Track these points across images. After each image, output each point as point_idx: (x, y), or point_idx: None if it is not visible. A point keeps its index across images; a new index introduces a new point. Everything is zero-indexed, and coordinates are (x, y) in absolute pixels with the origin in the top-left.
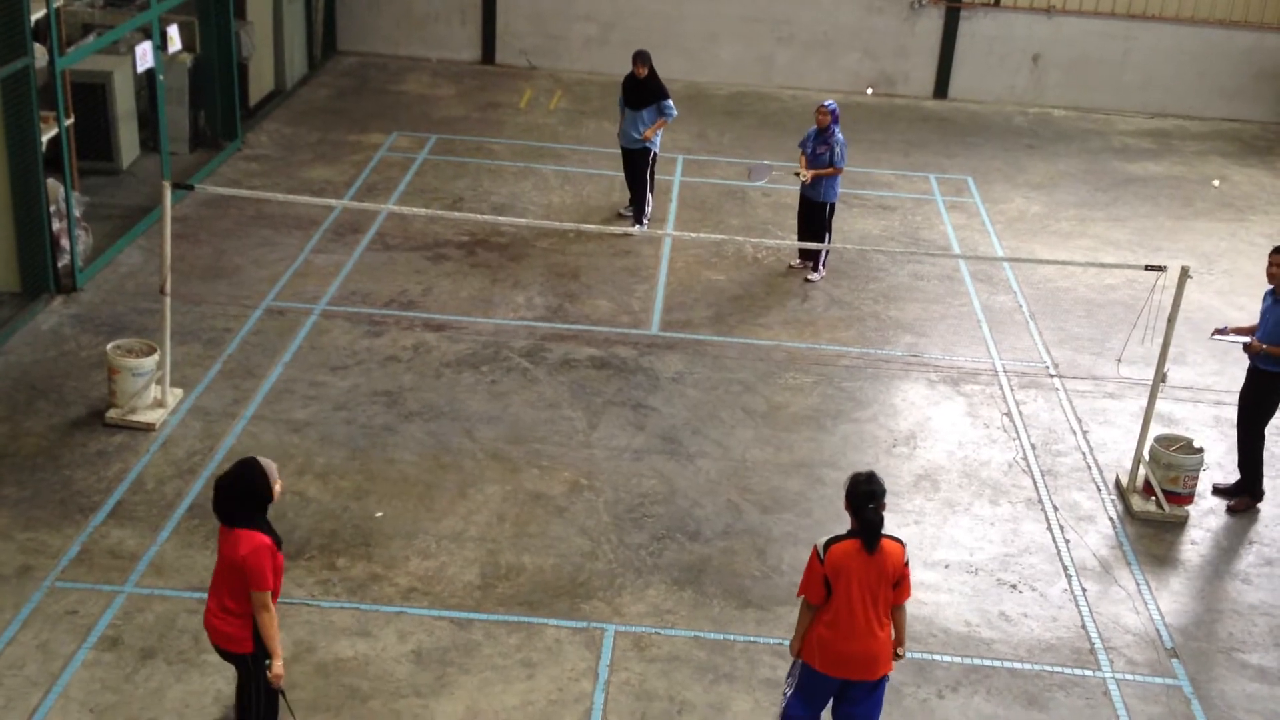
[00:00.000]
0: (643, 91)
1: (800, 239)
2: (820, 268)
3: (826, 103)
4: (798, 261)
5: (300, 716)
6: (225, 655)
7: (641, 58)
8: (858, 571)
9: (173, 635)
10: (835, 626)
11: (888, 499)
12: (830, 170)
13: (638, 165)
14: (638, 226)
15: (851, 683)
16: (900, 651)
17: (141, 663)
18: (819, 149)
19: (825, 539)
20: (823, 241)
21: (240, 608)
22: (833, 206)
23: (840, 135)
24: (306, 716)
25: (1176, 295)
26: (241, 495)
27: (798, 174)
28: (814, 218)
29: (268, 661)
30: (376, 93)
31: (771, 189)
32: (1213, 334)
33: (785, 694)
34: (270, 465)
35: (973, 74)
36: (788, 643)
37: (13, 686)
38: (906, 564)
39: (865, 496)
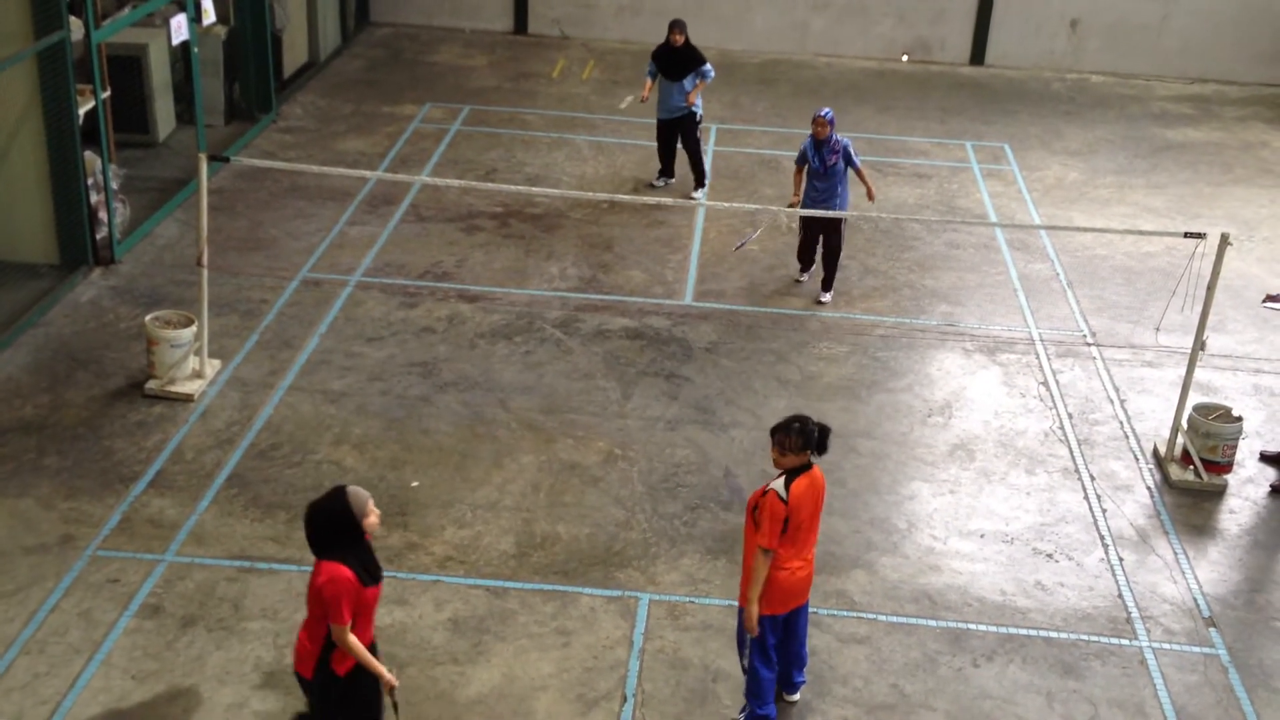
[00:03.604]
0: (681, 61)
1: (804, 256)
2: (832, 288)
3: (823, 111)
4: (804, 276)
5: None
6: (297, 675)
7: (679, 26)
8: (810, 501)
9: (213, 603)
10: (791, 559)
11: (924, 469)
12: (863, 176)
13: (686, 133)
14: (698, 192)
15: (791, 613)
16: None
17: (182, 630)
18: (829, 159)
19: (781, 483)
20: (838, 260)
21: (317, 633)
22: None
23: (843, 137)
24: None
25: (1216, 263)
26: (321, 525)
27: (791, 205)
28: (830, 234)
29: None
30: (409, 64)
31: None
32: (1265, 301)
33: (744, 667)
34: (360, 494)
35: (1010, 40)
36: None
37: (56, 654)
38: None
39: (821, 433)
